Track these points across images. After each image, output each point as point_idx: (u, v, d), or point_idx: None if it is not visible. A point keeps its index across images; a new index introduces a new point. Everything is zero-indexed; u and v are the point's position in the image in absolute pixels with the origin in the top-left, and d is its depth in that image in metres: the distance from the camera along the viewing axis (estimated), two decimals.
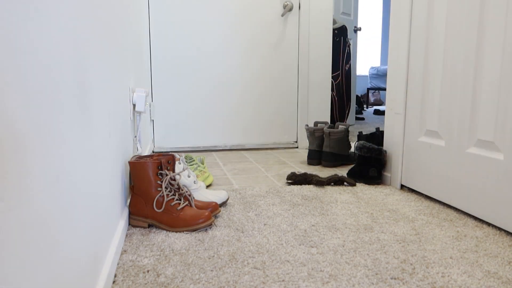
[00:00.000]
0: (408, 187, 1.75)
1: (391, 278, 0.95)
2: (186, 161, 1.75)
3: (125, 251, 1.10)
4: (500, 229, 1.27)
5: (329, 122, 2.51)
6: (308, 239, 1.19)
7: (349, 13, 4.05)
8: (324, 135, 2.24)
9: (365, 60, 7.97)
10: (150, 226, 1.27)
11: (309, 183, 1.81)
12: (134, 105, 1.53)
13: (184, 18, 2.61)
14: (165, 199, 1.24)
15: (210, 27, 2.64)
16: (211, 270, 0.99)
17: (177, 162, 1.48)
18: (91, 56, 0.82)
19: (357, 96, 5.81)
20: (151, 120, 2.65)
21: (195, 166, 1.79)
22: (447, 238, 1.20)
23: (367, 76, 7.60)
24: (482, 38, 1.31)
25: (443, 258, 1.06)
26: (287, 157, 2.53)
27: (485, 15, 1.29)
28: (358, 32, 4.23)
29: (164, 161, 1.28)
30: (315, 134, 2.27)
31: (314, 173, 2.00)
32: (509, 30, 1.20)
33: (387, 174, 1.83)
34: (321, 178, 1.79)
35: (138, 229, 1.26)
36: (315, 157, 2.28)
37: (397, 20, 1.73)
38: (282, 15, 2.66)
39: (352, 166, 2.01)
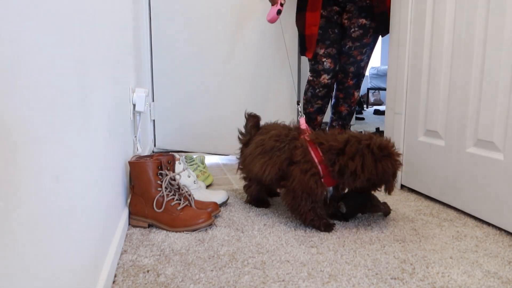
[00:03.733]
0: (408, 187, 1.75)
1: (391, 278, 0.95)
2: (186, 161, 1.75)
3: (125, 251, 1.10)
4: (500, 229, 1.27)
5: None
6: (308, 239, 1.19)
7: None
8: None
9: None
10: (150, 226, 1.27)
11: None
12: (134, 105, 1.53)
13: (186, 16, 2.62)
14: (165, 199, 1.24)
15: (212, 26, 2.64)
16: (211, 270, 0.99)
17: (177, 162, 1.48)
18: (91, 56, 0.82)
19: None
20: (151, 120, 2.65)
21: (195, 166, 1.79)
22: (447, 238, 1.20)
23: (367, 76, 7.60)
24: (483, 38, 1.31)
25: (443, 258, 1.06)
26: None
27: (486, 15, 1.29)
28: None
29: (164, 161, 1.28)
30: None
31: None
32: (508, 31, 1.20)
33: None
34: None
35: (138, 229, 1.26)
36: None
37: (397, 19, 1.72)
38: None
39: None
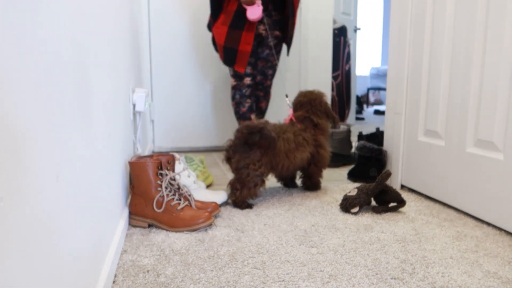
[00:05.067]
0: (408, 187, 1.75)
1: (391, 278, 0.95)
2: (186, 161, 1.75)
3: (125, 251, 1.10)
4: (500, 229, 1.27)
5: None
6: (308, 239, 1.19)
7: (349, 13, 4.06)
8: None
9: (365, 60, 7.97)
10: (150, 226, 1.27)
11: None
12: (134, 105, 1.53)
13: (185, 17, 2.62)
14: (165, 199, 1.24)
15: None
16: (211, 270, 0.99)
17: (177, 162, 1.48)
18: (91, 56, 0.82)
19: (357, 96, 5.81)
20: (151, 120, 2.65)
21: (195, 166, 1.79)
22: (447, 238, 1.20)
23: (367, 76, 7.60)
24: (483, 38, 1.31)
25: (443, 258, 1.06)
26: None
27: (486, 15, 1.29)
28: (358, 32, 4.23)
29: (164, 161, 1.28)
30: None
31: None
32: (508, 31, 1.20)
33: None
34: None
35: (138, 229, 1.26)
36: None
37: (397, 20, 1.72)
38: None
39: (353, 166, 2.01)
